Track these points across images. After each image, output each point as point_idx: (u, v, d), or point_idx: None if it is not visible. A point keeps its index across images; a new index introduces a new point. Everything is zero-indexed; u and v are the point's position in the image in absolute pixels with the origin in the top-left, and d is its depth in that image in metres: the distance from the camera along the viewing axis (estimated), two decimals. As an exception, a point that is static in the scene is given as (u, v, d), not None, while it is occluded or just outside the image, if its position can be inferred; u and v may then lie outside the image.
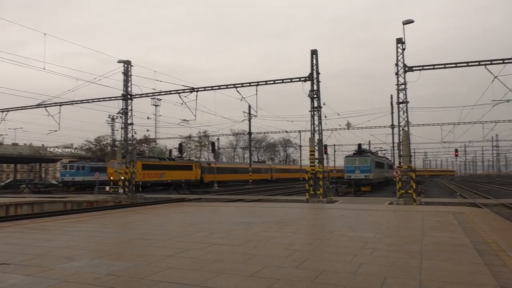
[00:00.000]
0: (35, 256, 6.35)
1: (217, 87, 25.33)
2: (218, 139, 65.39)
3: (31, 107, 30.98)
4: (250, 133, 56.30)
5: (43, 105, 29.69)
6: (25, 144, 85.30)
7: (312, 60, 22.15)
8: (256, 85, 23.71)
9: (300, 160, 75.98)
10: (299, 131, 57.68)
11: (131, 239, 8.09)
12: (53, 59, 52.46)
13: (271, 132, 59.62)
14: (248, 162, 60.66)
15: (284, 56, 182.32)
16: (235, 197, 27.48)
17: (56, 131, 29.77)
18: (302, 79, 22.38)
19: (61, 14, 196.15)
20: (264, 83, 23.85)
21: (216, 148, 58.80)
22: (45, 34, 27.46)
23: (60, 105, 29.23)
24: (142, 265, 5.63)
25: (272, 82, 23.87)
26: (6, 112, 31.58)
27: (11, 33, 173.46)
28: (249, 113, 47.59)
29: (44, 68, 28.11)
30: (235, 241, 7.57)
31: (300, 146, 72.52)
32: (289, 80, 23.21)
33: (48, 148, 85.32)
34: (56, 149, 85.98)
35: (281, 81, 23.67)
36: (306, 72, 22.38)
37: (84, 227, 10.17)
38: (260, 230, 9.03)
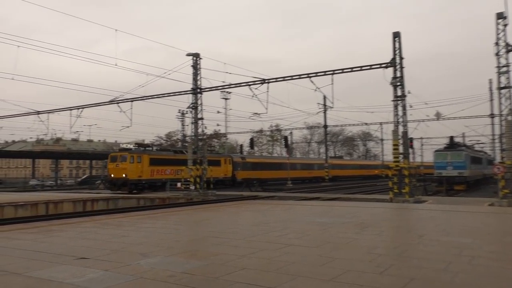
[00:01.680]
0: (111, 251, 6.83)
1: (290, 78, 25.31)
2: (291, 133, 65.37)
3: (104, 103, 33.36)
4: (325, 126, 55.63)
5: (115, 101, 31.79)
6: (99, 140, 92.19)
7: (394, 44, 21.26)
8: (332, 74, 23.30)
9: (382, 155, 73.52)
10: (380, 123, 55.73)
11: (204, 237, 8.39)
12: (124, 55, 55.99)
13: (349, 125, 58.49)
14: (304, 156, 58.84)
15: (362, 41, 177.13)
16: (310, 195, 27.37)
17: (128, 127, 31.70)
18: (383, 65, 21.58)
19: (132, 9, 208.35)
20: (341, 71, 23.36)
21: (289, 142, 58.87)
22: (116, 30, 29.43)
23: (132, 101, 31.07)
24: (216, 264, 5.81)
25: (349, 70, 23.30)
26: (81, 109, 34.29)
27: (86, 31, 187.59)
28: (324, 105, 46.91)
29: (116, 65, 30.23)
30: (312, 242, 7.53)
31: (382, 140, 70.16)
32: (368, 67, 22.50)
33: (121, 144, 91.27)
34: (128, 145, 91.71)
35: (359, 68, 23.03)
36: (387, 57, 21.56)
37: (157, 224, 10.74)
38: (339, 231, 8.89)
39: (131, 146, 39.02)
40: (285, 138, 57.15)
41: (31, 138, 73.80)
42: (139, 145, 39.31)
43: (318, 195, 26.62)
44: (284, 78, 25.59)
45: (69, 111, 34.78)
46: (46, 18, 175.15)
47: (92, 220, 11.78)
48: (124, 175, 33.36)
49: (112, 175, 34.30)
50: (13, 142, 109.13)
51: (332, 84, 23.08)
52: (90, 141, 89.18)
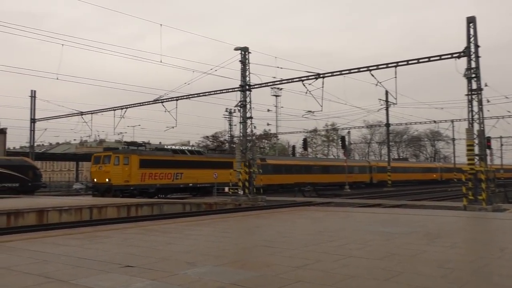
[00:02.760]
0: (157, 259, 7.02)
1: (347, 72, 25.00)
2: (349, 132, 64.55)
3: (148, 103, 34.52)
4: (388, 125, 54.38)
5: (160, 100, 32.78)
6: (143, 142, 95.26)
7: (468, 30, 20.41)
8: (395, 66, 22.77)
9: (454, 156, 70.76)
10: (452, 121, 53.79)
11: (254, 246, 8.44)
12: (169, 51, 57.61)
13: (415, 123, 56.81)
14: (332, 157, 56.79)
15: (430, 28, 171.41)
16: (371, 201, 26.88)
17: (173, 127, 32.61)
18: (455, 55, 20.80)
19: (177, 2, 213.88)
20: (405, 63, 22.77)
21: (346, 143, 58.08)
22: (161, 24, 30.26)
23: (177, 100, 31.92)
24: (268, 275, 5.83)
25: (415, 61, 22.66)
26: (125, 109, 35.72)
27: (130, 26, 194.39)
28: (386, 101, 45.92)
29: (161, 61, 30.95)
30: (375, 254, 7.37)
31: (454, 139, 67.56)
32: (438, 58, 21.78)
33: (165, 146, 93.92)
34: (173, 146, 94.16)
35: (427, 59, 22.36)
36: (459, 46, 20.73)
37: (204, 231, 10.93)
38: (405, 242, 8.65)
39: (136, 143, 36.74)
40: (342, 138, 56.50)
41: (74, 140, 77.40)
42: (128, 143, 36.58)
43: (380, 202, 26.08)
44: (341, 72, 25.31)
45: (112, 111, 36.37)
46: (90, 15, 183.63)
47: (137, 226, 12.18)
48: (107, 180, 31.03)
49: (95, 180, 32.11)
50: (57, 144, 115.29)
51: (395, 77, 22.57)
52: (146, 143, 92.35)
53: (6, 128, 50.14)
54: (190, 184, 36.22)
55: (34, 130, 42.05)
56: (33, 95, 41.68)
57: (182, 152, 37.77)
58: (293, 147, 69.57)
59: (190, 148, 43.71)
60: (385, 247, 8.08)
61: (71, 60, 79.15)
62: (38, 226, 15.36)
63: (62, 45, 30.00)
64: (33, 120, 41.86)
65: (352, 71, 24.77)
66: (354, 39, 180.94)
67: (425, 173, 71.60)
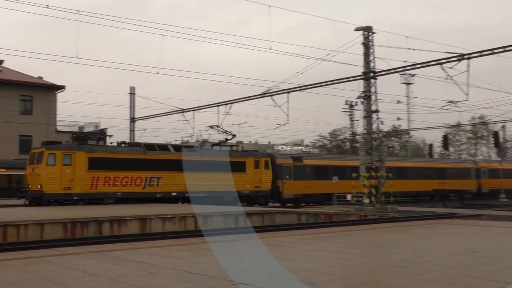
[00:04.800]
0: (272, 277, 7.18)
1: (501, 49, 23.46)
2: (503, 126, 60.25)
3: (255, 96, 35.35)
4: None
5: (268, 94, 33.42)
6: (250, 141, 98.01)
7: None
8: None
9: None
10: None
11: (386, 265, 8.27)
12: (279, 36, 58.42)
13: None
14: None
15: None
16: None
17: (284, 124, 33.03)
18: None
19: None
20: None
21: (500, 140, 54.34)
22: (269, 6, 30.77)
23: (288, 92, 32.27)
24: (407, 302, 5.67)
25: None
26: (229, 105, 36.96)
27: (235, 10, 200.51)
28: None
29: (270, 48, 31.41)
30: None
31: None
32: None
33: (275, 146, 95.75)
34: (284, 147, 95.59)
35: None
36: None
37: (325, 245, 10.95)
38: None
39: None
40: (495, 134, 52.89)
41: (175, 140, 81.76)
42: (77, 134, 31.28)
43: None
44: (492, 51, 23.85)
45: (216, 107, 37.80)
46: (191, 0, 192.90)
47: (247, 238, 12.56)
48: (39, 186, 26.82)
49: (30, 185, 27.84)
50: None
51: None
52: (239, 142, 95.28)
53: (106, 129, 54.67)
54: (173, 194, 31.10)
55: (134, 130, 45.08)
56: (132, 92, 44.74)
57: (163, 148, 32.70)
58: (430, 145, 66.90)
59: (184, 143, 38.97)
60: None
61: (171, 52, 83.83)
62: (141, 235, 16.55)
63: (162, 35, 31.70)
64: (132, 120, 44.97)
65: (507, 48, 23.20)
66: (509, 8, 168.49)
67: None
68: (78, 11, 26.18)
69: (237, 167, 33.19)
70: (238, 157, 34.46)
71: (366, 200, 27.16)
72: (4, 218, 17.49)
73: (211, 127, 37.12)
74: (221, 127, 36.68)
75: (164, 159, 31.03)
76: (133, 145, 32.35)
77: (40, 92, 45.50)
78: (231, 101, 36.90)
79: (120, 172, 28.90)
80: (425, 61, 26.50)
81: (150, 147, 31.44)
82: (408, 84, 65.86)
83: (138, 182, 29.59)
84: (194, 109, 39.98)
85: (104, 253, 9.53)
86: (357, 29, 27.96)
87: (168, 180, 30.72)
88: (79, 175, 27.47)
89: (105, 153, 29.18)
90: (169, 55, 66.28)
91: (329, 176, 36.89)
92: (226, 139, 37.34)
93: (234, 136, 37.60)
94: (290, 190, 36.44)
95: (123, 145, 31.51)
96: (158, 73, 33.78)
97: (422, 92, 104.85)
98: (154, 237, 15.10)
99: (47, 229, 17.33)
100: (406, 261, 8.60)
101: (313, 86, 31.56)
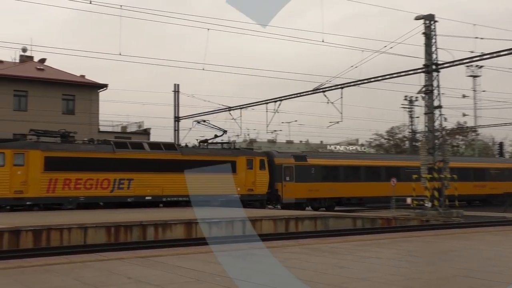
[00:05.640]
0: (326, 286, 7.14)
1: None
2: None
3: (306, 93, 35.21)
4: None
5: (320, 89, 33.24)
6: (300, 141, 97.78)
7: None
8: None
9: None
10: None
11: (452, 275, 8.10)
12: (332, 28, 57.96)
13: None
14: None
15: None
16: None
17: (338, 122, 32.78)
18: None
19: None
20: None
21: None
22: (321, -5, 30.62)
23: (342, 87, 31.99)
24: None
25: None
26: (279, 102, 36.98)
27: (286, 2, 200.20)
28: None
29: (322, 41, 31.05)
30: None
31: None
32: None
33: (328, 146, 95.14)
34: (338, 146, 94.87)
35: None
36: None
37: (383, 253, 10.81)
38: None
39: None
40: None
41: (222, 140, 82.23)
42: (35, 131, 29.05)
43: None
44: None
45: (264, 104, 37.85)
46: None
47: (298, 244, 12.57)
48: None
49: None
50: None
51: None
52: (289, 142, 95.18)
53: (149, 129, 55.66)
54: (148, 198, 29.22)
55: (178, 130, 45.63)
56: (176, 90, 45.33)
57: (136, 146, 30.88)
58: (500, 144, 64.72)
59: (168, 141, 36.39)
60: None
61: (216, 47, 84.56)
62: (186, 241, 16.77)
63: (208, 29, 31.91)
64: (177, 119, 45.58)
65: None
66: None
67: None
68: (121, 6, 26.74)
69: (226, 167, 31.21)
70: (227, 156, 32.49)
71: (428, 204, 26.65)
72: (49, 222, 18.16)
73: (198, 122, 36.28)
74: (208, 121, 35.94)
75: (137, 158, 29.26)
76: (101, 142, 30.34)
77: (82, 91, 46.56)
78: (281, 98, 36.89)
79: (83, 173, 27.35)
80: (494, 51, 25.81)
81: (120, 145, 29.96)
82: (475, 76, 63.97)
83: (105, 184, 27.98)
84: (241, 107, 40.15)
85: (148, 258, 9.73)
86: (417, 18, 27.51)
87: (141, 182, 29.00)
88: (33, 177, 25.91)
89: (65, 152, 27.29)
90: (214, 51, 66.83)
91: (339, 177, 36.13)
92: (216, 136, 35.67)
93: (225, 132, 36.00)
94: (291, 193, 34.40)
95: (89, 142, 29.87)
96: (203, 69, 34.13)
97: (491, 85, 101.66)
98: (199, 242, 15.26)
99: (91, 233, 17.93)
100: (472, 271, 8.41)
101: (369, 80, 31.19)
